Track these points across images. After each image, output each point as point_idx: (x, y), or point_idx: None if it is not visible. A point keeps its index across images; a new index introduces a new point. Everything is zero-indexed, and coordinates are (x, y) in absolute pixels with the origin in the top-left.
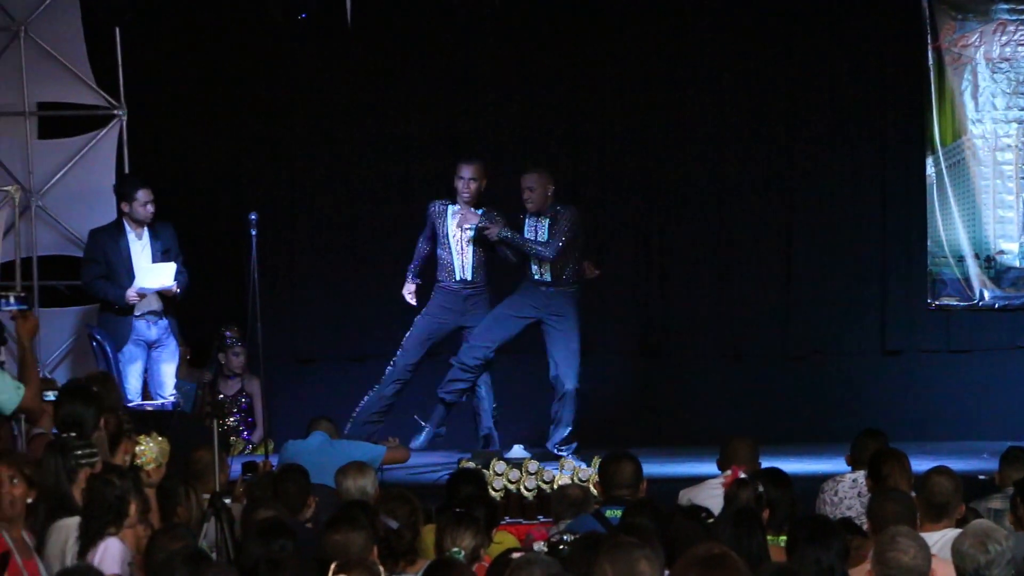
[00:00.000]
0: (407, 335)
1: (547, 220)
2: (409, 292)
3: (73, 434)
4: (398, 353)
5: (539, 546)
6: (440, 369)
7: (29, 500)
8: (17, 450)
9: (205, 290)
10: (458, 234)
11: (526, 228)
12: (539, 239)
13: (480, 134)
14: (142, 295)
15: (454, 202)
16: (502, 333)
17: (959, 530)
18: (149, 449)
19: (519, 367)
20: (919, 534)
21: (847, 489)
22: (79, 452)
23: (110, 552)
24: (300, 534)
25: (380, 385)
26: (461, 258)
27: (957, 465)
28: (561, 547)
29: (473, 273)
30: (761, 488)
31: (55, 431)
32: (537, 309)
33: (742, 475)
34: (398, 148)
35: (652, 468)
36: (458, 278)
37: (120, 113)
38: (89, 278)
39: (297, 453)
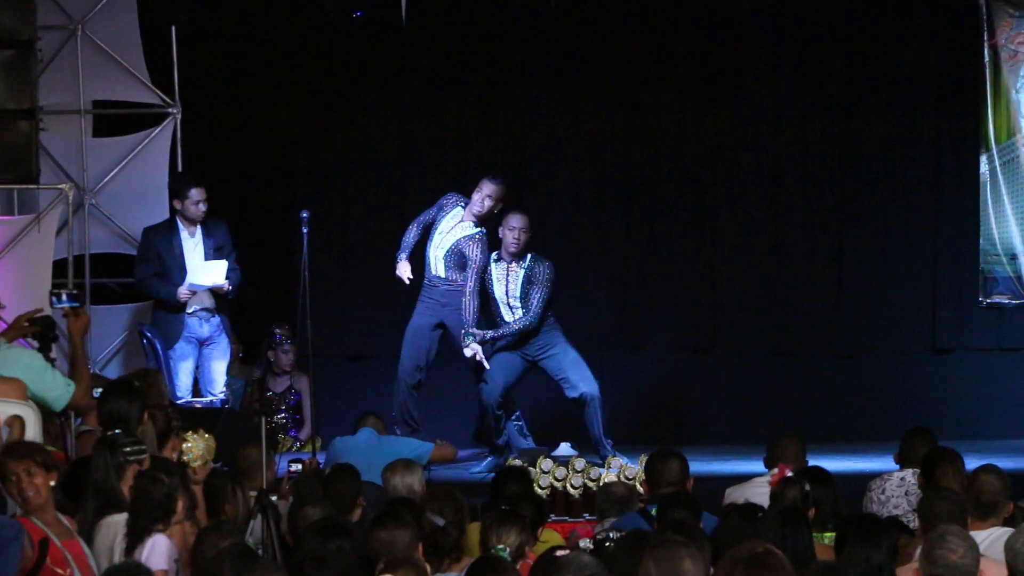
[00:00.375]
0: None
1: (523, 269)
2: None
3: (118, 430)
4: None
5: (585, 543)
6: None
7: (52, 483)
8: (66, 446)
9: (257, 287)
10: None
11: (497, 268)
12: (512, 283)
13: (533, 133)
14: (193, 292)
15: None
16: (511, 375)
17: (1007, 529)
18: (196, 446)
19: None
20: (969, 533)
21: (894, 488)
22: (127, 449)
23: (157, 548)
24: (353, 534)
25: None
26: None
27: (1007, 464)
28: (607, 544)
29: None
30: (808, 486)
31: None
32: (527, 355)
33: (789, 473)
34: (451, 147)
35: (699, 466)
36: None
37: (174, 111)
38: (142, 276)
39: (345, 449)
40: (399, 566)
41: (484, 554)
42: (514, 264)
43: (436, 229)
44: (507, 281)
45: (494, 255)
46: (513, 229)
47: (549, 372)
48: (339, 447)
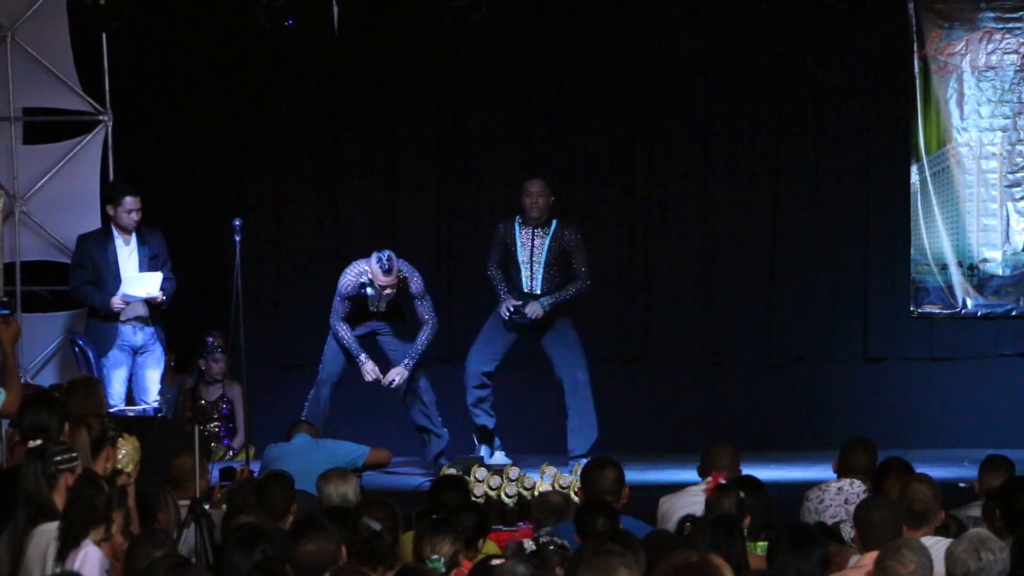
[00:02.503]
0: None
1: (548, 232)
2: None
3: (39, 440)
4: None
5: (528, 544)
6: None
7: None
8: None
9: (189, 296)
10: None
11: (521, 234)
12: (538, 249)
13: (467, 138)
14: (126, 303)
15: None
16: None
17: (939, 537)
18: (127, 447)
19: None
20: (927, 548)
21: (833, 496)
22: (58, 458)
23: (89, 559)
24: (280, 541)
25: None
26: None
27: (938, 473)
28: (551, 547)
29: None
30: (742, 495)
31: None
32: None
33: (722, 481)
34: (383, 154)
35: (633, 475)
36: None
37: (105, 119)
38: (76, 283)
39: (282, 454)
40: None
41: (410, 564)
42: (539, 230)
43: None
44: (532, 247)
45: (518, 219)
46: (530, 195)
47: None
48: (275, 452)
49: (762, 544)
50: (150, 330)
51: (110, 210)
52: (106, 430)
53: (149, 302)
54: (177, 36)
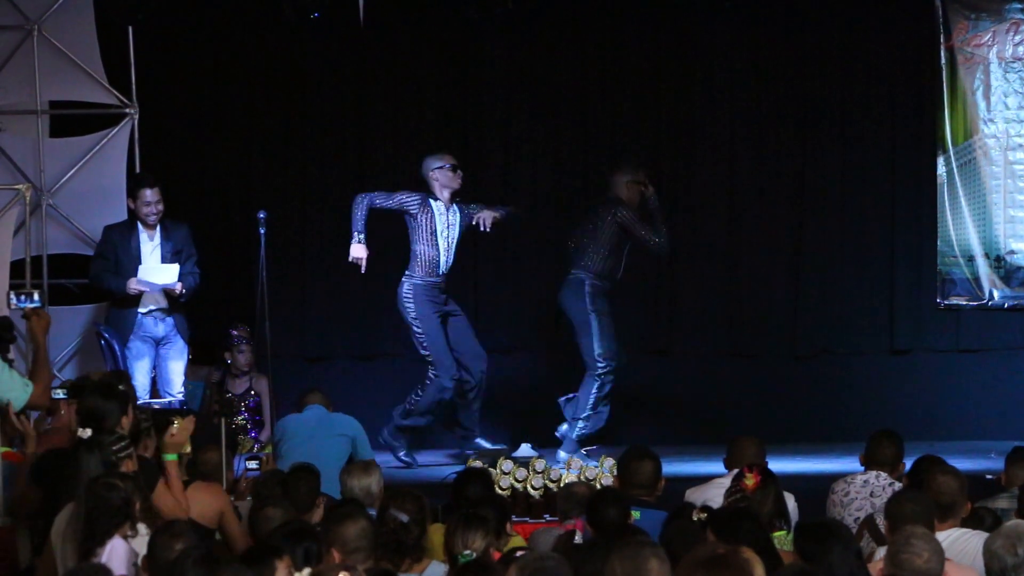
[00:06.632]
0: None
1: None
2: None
3: (89, 430)
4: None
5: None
6: None
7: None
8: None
9: (215, 289)
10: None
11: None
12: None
13: (491, 133)
14: (143, 288)
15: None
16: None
17: (965, 529)
18: (182, 428)
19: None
20: (935, 537)
21: (858, 489)
22: (115, 447)
23: (116, 553)
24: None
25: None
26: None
27: (964, 465)
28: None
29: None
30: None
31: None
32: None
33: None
34: (408, 147)
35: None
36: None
37: (132, 112)
38: (95, 271)
39: (295, 428)
40: (327, 573)
41: (453, 557)
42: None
43: (433, 232)
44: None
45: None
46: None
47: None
48: (287, 426)
49: (778, 534)
50: (170, 320)
51: (130, 204)
52: (140, 423)
53: (168, 292)
54: (203, 29)
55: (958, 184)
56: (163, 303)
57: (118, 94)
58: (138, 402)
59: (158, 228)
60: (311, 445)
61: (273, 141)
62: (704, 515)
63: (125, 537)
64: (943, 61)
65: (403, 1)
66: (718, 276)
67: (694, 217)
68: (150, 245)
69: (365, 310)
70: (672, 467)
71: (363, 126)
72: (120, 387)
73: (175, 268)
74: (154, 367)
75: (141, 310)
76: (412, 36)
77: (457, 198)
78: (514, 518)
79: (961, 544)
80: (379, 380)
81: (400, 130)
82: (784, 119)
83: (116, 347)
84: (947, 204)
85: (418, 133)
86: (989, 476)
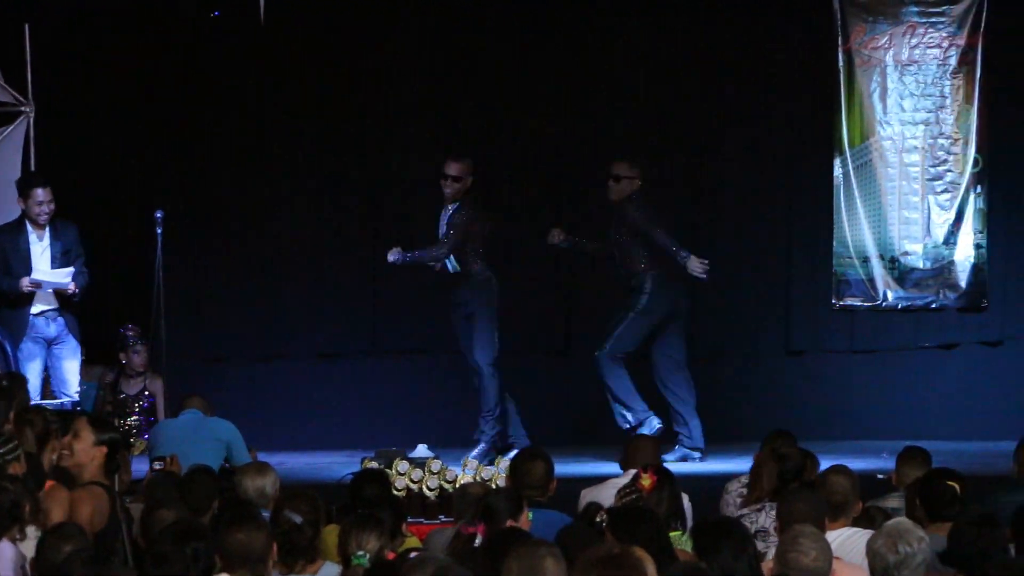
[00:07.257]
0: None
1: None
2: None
3: None
4: None
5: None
6: None
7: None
8: None
9: (111, 288)
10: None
11: None
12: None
13: (391, 133)
14: (36, 285)
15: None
16: None
17: (857, 528)
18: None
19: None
20: (823, 535)
21: None
22: (2, 450)
23: (4, 556)
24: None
25: None
26: None
27: (857, 464)
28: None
29: None
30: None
31: None
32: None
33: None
34: (306, 145)
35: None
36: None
37: (27, 110)
38: None
39: (169, 433)
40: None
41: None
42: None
43: None
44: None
45: None
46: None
47: None
48: (161, 431)
49: (673, 535)
50: (62, 321)
51: (20, 203)
52: (48, 423)
53: (60, 293)
54: (101, 26)
55: (854, 186)
56: (54, 303)
57: (14, 92)
58: (31, 403)
59: (47, 228)
60: (183, 450)
61: (171, 140)
62: (606, 517)
63: (13, 540)
64: (840, 63)
65: None
66: (613, 276)
67: (591, 215)
68: (40, 245)
69: (265, 311)
70: (568, 467)
71: (263, 124)
72: (5, 384)
73: (68, 271)
74: (46, 368)
75: (33, 311)
76: (314, 33)
77: (456, 201)
78: (409, 519)
79: (852, 543)
80: (279, 381)
81: (298, 127)
82: (682, 118)
83: (8, 348)
84: (843, 205)
85: (316, 130)
86: (880, 476)
